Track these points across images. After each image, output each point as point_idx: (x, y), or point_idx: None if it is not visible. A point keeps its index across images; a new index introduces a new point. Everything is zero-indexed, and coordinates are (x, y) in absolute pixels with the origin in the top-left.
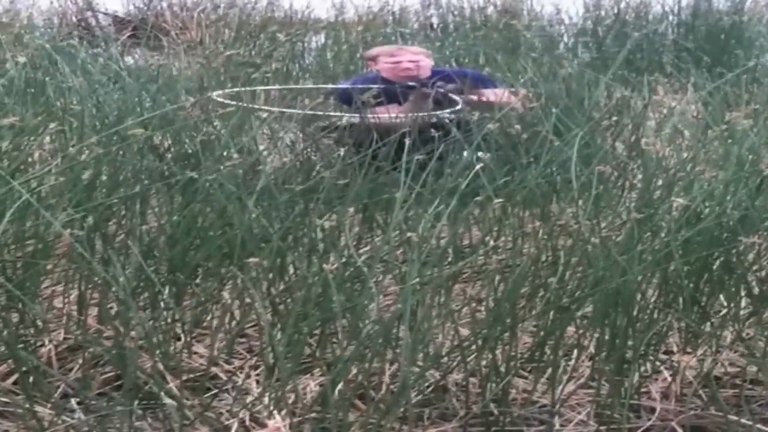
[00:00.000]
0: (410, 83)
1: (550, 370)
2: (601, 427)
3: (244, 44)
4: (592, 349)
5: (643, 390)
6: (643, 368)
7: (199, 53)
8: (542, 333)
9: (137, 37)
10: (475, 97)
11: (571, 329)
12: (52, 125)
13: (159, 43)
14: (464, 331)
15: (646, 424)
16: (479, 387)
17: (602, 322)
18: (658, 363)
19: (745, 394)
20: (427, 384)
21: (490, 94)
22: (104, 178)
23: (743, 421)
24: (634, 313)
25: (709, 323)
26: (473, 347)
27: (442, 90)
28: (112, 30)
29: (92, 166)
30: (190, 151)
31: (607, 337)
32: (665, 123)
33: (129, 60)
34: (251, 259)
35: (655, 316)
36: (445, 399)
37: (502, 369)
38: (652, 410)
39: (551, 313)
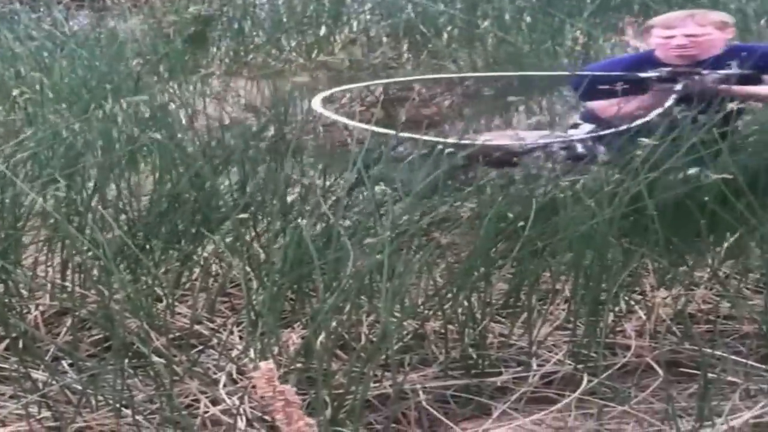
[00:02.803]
0: (682, 68)
1: (526, 314)
2: (578, 366)
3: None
4: (567, 293)
5: (618, 329)
6: (617, 308)
7: (147, 12)
8: (517, 279)
9: None
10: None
11: (546, 274)
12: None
13: (104, 4)
14: (441, 281)
15: (621, 361)
16: (457, 333)
17: (576, 265)
18: (632, 303)
19: (719, 329)
20: (406, 332)
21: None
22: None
23: (717, 353)
24: (608, 255)
25: (685, 265)
26: (449, 295)
27: (705, 79)
28: None
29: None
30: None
31: (581, 280)
32: None
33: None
34: (239, 216)
35: (628, 257)
36: (425, 346)
37: (479, 315)
38: (628, 348)
39: (524, 259)
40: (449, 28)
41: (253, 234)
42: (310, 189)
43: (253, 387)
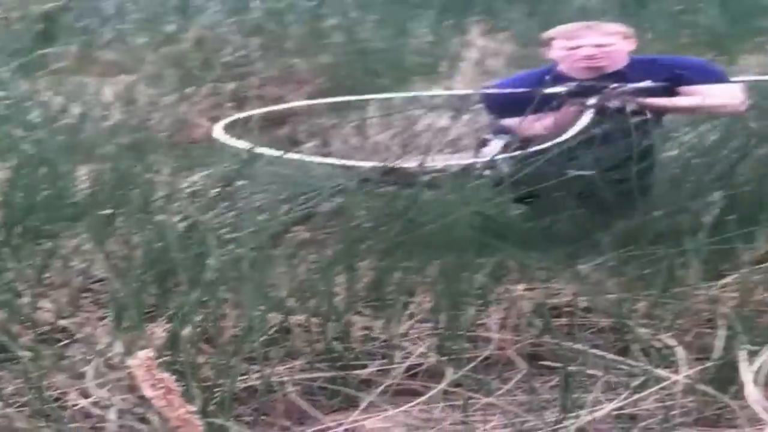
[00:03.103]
0: (589, 81)
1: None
2: (442, 358)
3: None
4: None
5: (480, 322)
6: (480, 302)
7: None
8: (380, 273)
9: None
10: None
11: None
12: None
13: None
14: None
15: (484, 354)
16: (321, 327)
17: (439, 260)
18: (495, 296)
19: (578, 322)
20: (271, 326)
21: (702, 95)
22: None
23: (577, 346)
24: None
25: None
26: (313, 289)
27: (614, 94)
28: None
29: None
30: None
31: (443, 275)
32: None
33: None
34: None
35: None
36: (290, 339)
37: (341, 308)
38: (490, 341)
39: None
40: (297, 25)
41: (115, 230)
42: (173, 185)
43: (131, 376)
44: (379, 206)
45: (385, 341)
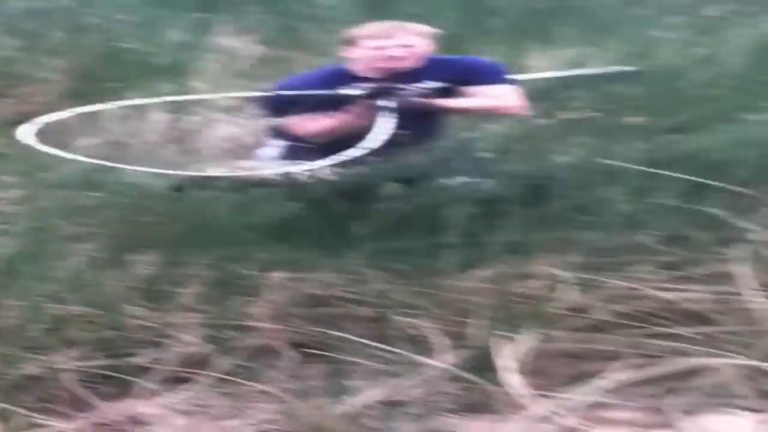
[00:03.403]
0: (384, 83)
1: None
2: (213, 347)
3: None
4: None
5: (249, 311)
6: (246, 293)
7: None
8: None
9: None
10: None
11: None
12: None
13: None
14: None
15: (252, 343)
16: (97, 316)
17: (210, 253)
18: (261, 288)
19: (342, 312)
20: (48, 315)
21: (482, 96)
22: None
23: (340, 335)
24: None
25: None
26: (89, 280)
27: (402, 95)
28: None
29: None
30: None
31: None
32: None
33: None
34: None
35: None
36: (67, 328)
37: (117, 299)
38: (259, 330)
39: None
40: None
41: None
42: None
43: None
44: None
45: (158, 330)
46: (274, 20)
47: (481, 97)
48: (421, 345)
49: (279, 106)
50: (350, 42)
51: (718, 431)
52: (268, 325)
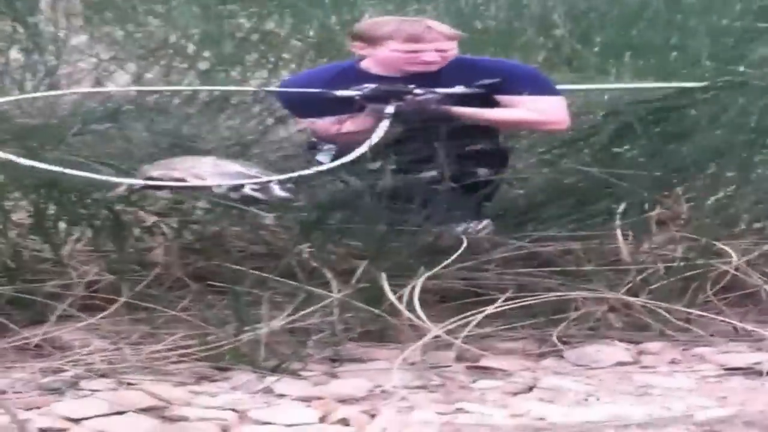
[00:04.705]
0: (396, 81)
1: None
2: (117, 277)
3: None
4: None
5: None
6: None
7: None
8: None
9: None
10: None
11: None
12: None
13: None
14: None
15: (153, 273)
16: None
17: None
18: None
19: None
20: None
21: (522, 107)
22: None
23: (239, 268)
24: None
25: None
26: None
27: (417, 101)
28: None
29: None
30: None
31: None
32: None
33: None
34: None
35: None
36: None
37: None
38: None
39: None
40: None
41: None
42: None
43: None
44: None
45: (58, 262)
46: None
47: (520, 108)
48: (319, 279)
49: (296, 104)
50: (370, 39)
51: (597, 359)
52: (167, 259)
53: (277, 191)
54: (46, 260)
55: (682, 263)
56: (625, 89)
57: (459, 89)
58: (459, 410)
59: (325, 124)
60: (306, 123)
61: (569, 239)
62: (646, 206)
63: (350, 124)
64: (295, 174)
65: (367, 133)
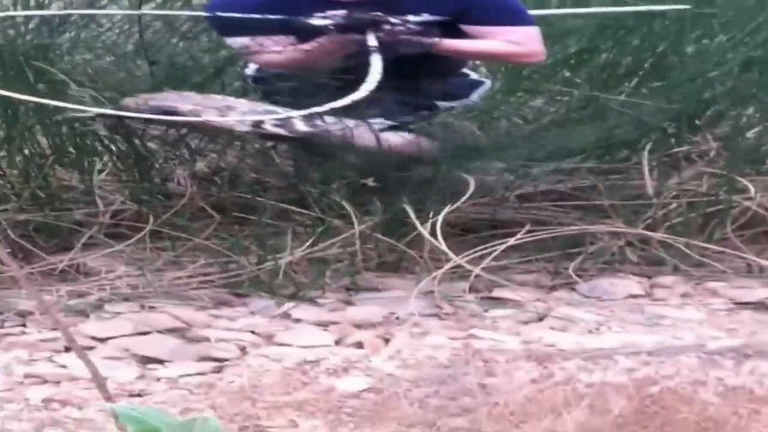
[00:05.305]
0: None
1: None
2: (142, 207)
3: None
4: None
5: (171, 177)
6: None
7: None
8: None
9: None
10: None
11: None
12: None
13: None
14: None
15: (179, 204)
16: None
17: None
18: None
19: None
20: None
21: (495, 38)
22: None
23: (260, 200)
24: None
25: None
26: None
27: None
28: None
29: None
30: None
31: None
32: None
33: None
34: None
35: None
36: None
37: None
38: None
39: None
40: None
41: None
42: None
43: None
44: None
45: (84, 191)
46: None
47: (493, 39)
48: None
49: (226, 22)
50: None
51: (610, 291)
52: (190, 190)
53: (300, 126)
54: (73, 188)
55: (704, 198)
56: (605, 13)
57: (426, 16)
58: (471, 336)
59: (257, 44)
60: (253, 45)
61: (590, 173)
62: (673, 141)
63: (304, 54)
64: (318, 109)
65: (328, 58)
